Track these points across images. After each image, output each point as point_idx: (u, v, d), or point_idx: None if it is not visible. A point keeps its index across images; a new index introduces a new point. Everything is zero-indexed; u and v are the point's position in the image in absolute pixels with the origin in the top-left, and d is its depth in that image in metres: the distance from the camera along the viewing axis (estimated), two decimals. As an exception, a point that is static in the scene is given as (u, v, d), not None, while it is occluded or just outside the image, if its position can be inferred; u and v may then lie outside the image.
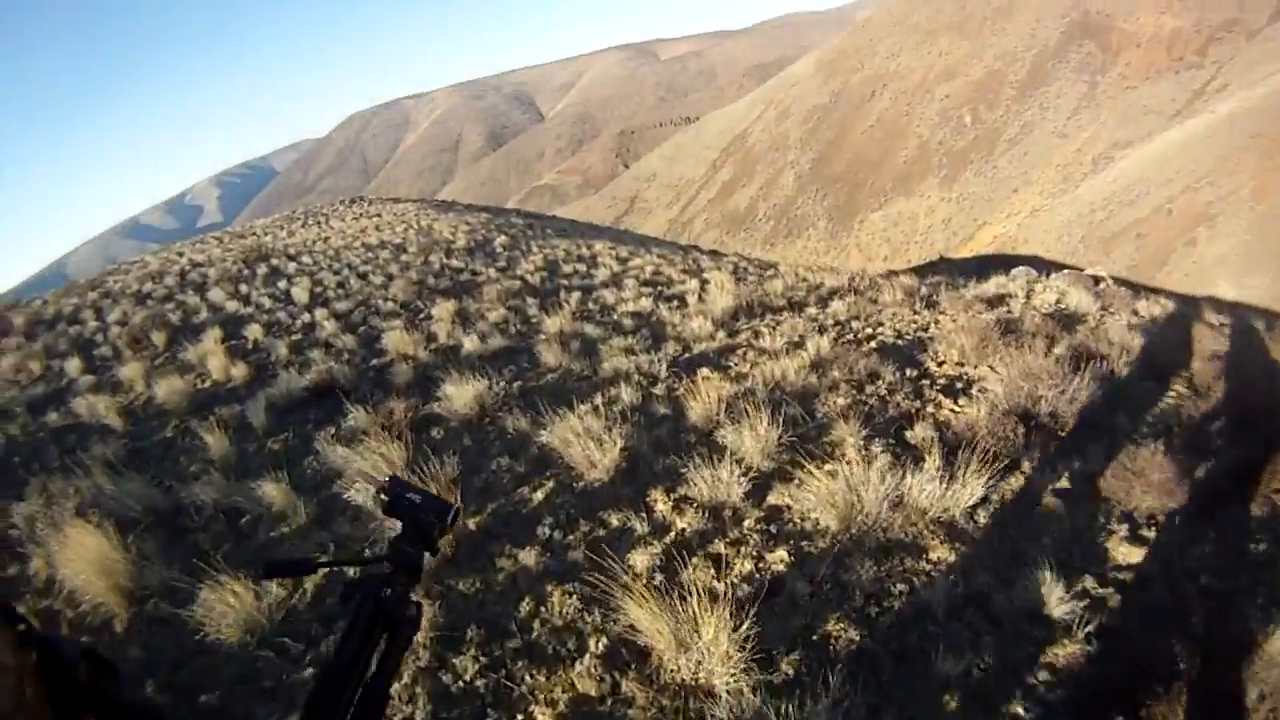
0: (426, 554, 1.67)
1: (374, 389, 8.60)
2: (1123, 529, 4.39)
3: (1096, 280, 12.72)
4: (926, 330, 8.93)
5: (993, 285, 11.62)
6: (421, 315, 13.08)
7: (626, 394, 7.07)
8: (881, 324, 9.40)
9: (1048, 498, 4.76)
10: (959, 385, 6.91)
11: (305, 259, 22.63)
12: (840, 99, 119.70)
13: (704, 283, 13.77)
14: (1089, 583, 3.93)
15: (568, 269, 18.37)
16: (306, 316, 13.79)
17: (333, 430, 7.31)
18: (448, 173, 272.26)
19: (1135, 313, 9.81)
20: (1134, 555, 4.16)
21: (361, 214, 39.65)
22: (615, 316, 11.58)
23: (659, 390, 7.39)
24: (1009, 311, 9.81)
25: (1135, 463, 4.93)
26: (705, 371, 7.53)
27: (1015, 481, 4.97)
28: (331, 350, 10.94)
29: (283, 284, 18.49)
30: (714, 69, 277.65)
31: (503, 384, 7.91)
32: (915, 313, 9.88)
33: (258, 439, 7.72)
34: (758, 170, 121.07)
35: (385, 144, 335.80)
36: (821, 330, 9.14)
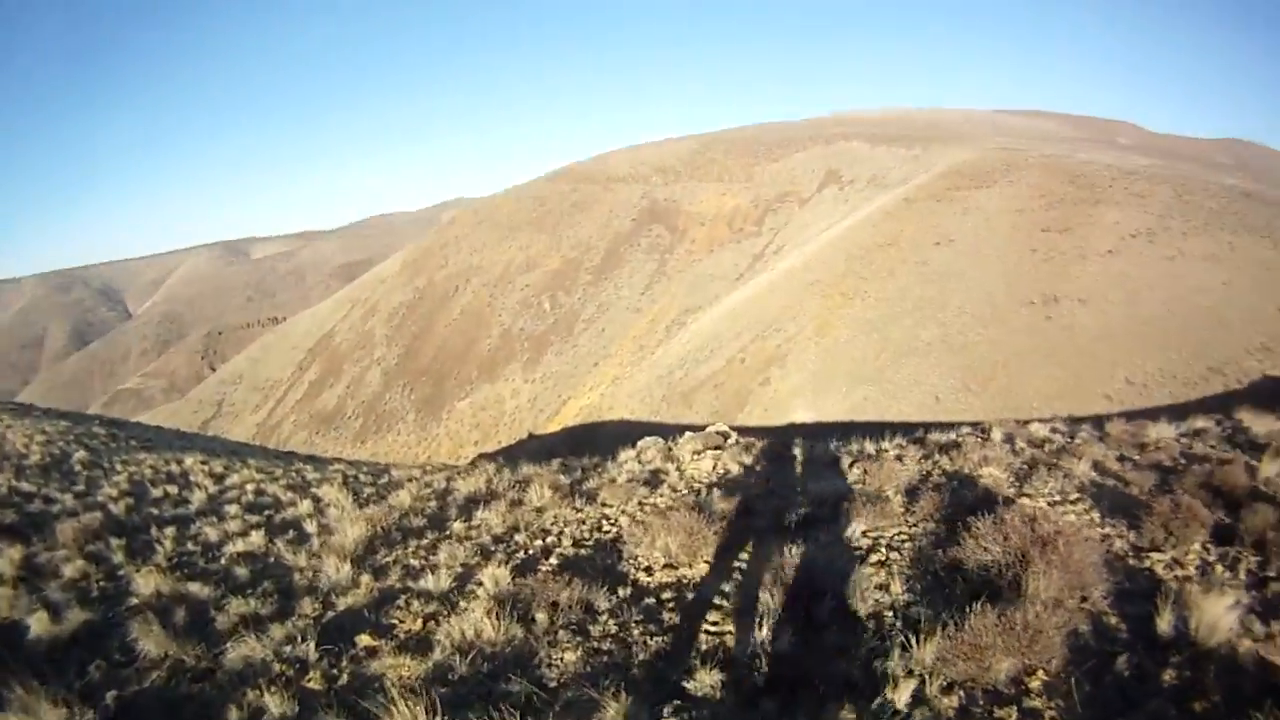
0: None
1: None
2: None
3: (725, 436, 13.16)
4: (604, 530, 8.82)
5: (634, 463, 12.24)
6: (-22, 571, 10.41)
7: (274, 705, 5.50)
8: (548, 531, 9.09)
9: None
10: (692, 598, 6.71)
11: None
12: (426, 294, 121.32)
13: (317, 501, 13.17)
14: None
15: (157, 492, 16.15)
16: None
17: None
18: (30, 371, 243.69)
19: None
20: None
21: (-78, 418, 34.52)
22: (224, 561, 9.89)
23: (315, 685, 5.91)
24: (675, 489, 10.22)
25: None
26: (367, 640, 6.52)
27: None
28: None
29: None
30: (303, 269, 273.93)
31: (88, 712, 5.76)
32: (577, 509, 9.69)
33: None
34: (345, 369, 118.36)
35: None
36: (485, 554, 8.50)
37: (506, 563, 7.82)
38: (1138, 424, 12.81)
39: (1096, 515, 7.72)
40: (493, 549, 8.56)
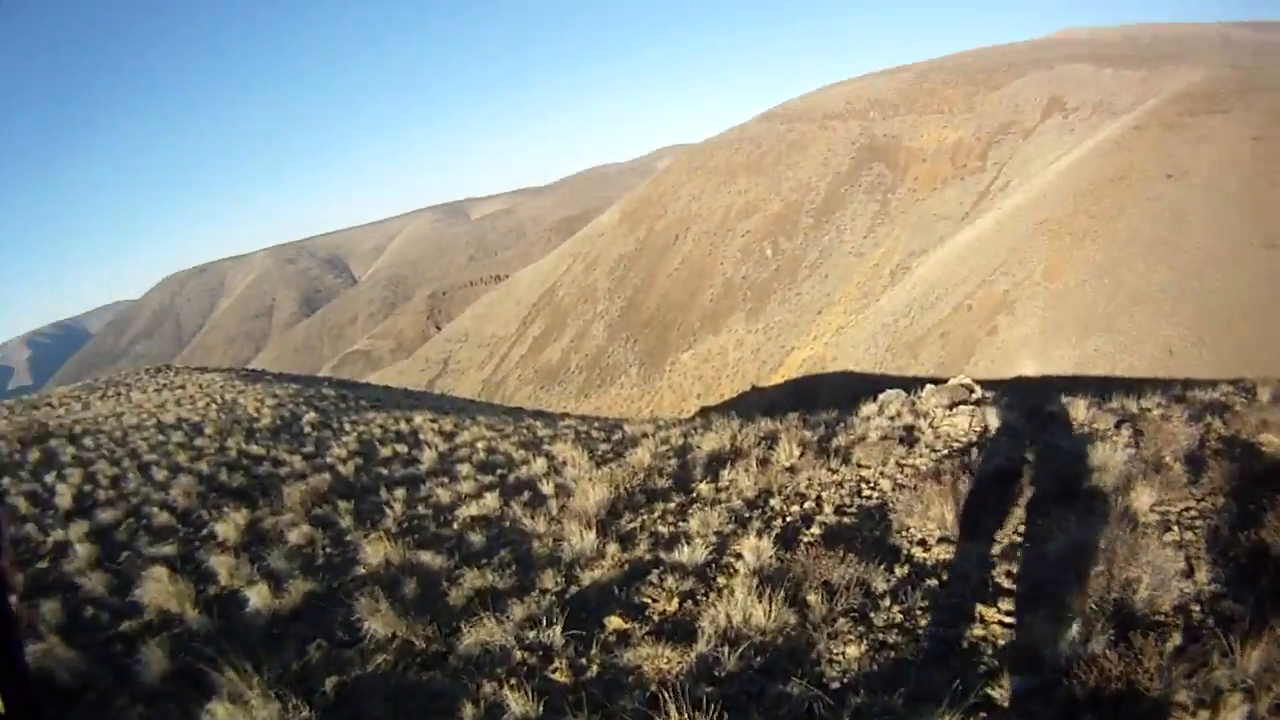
0: None
1: (105, 697, 6.11)
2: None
3: (970, 390, 12.31)
4: (865, 496, 7.94)
5: (881, 419, 11.05)
6: (202, 535, 10.70)
7: (514, 703, 4.75)
8: (805, 496, 8.13)
9: None
10: (976, 579, 5.83)
11: (88, 441, 20.24)
12: (645, 246, 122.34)
13: (551, 459, 12.36)
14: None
15: (386, 451, 16.17)
16: (60, 532, 11.20)
17: None
18: (262, 339, 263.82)
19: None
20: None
21: (165, 385, 36.88)
22: (456, 527, 9.40)
23: (561, 677, 5.20)
24: (933, 449, 9.20)
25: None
26: (618, 623, 5.84)
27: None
28: (70, 601, 8.42)
29: (51, 476, 15.92)
30: (522, 225, 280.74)
31: (303, 708, 5.20)
32: (832, 470, 8.76)
33: None
34: (568, 323, 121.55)
35: (200, 308, 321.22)
36: (740, 521, 7.61)
37: (765, 532, 7.04)
38: None
39: None
40: (747, 515, 7.76)
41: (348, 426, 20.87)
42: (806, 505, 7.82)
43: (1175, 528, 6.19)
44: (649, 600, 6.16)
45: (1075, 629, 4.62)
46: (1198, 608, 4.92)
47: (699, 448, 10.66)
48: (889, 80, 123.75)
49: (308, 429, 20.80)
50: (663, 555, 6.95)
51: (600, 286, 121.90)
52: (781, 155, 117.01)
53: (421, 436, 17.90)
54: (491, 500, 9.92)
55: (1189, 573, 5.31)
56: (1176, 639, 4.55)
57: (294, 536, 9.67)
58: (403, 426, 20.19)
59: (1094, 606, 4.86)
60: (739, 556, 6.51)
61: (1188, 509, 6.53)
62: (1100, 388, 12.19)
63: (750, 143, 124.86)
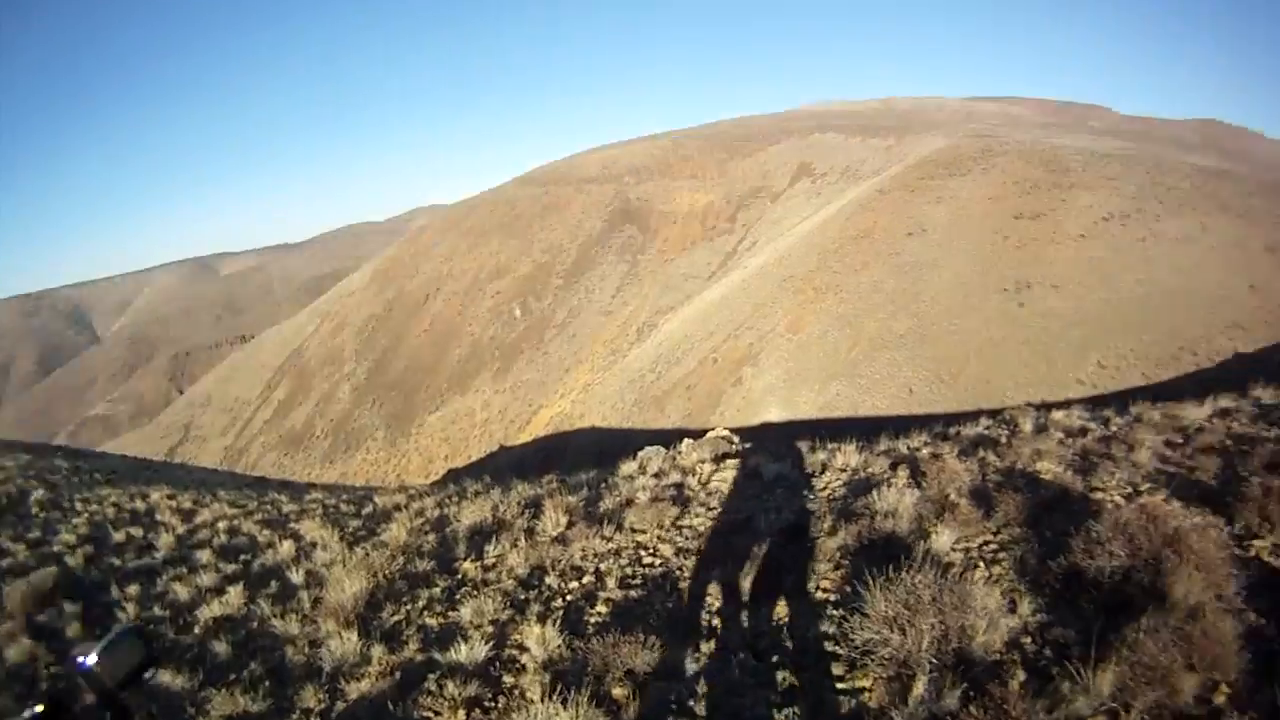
0: None
1: None
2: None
3: (730, 441, 12.66)
4: (648, 564, 7.54)
5: (646, 478, 11.07)
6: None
7: None
8: (582, 570, 7.64)
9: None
10: (791, 645, 5.58)
11: None
12: (395, 306, 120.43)
13: (298, 540, 11.62)
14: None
15: (119, 536, 14.27)
16: None
17: None
18: None
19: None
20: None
21: None
22: (198, 631, 8.26)
23: None
24: (708, 507, 9.05)
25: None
26: None
27: None
28: None
29: None
30: (272, 284, 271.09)
31: None
32: (607, 539, 8.32)
33: None
34: (314, 386, 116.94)
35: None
36: (516, 605, 7.02)
37: (547, 616, 6.55)
38: (1165, 406, 12.33)
39: (1176, 505, 6.78)
40: (523, 597, 7.22)
41: (79, 505, 18.82)
42: (586, 580, 7.42)
43: (981, 564, 6.19)
44: (430, 715, 5.36)
45: (922, 687, 4.46)
46: (1029, 640, 4.91)
47: (458, 520, 10.29)
48: (646, 146, 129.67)
49: (35, 509, 18.40)
50: (436, 655, 6.16)
51: (348, 348, 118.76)
52: (536, 217, 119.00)
53: (158, 517, 16.59)
54: (236, 595, 9.08)
55: (1012, 607, 5.30)
56: (1021, 675, 4.53)
57: (13, 653, 8.33)
58: (138, 505, 18.56)
59: (934, 660, 4.61)
60: (523, 648, 6.01)
61: (987, 543, 6.59)
62: (844, 428, 12.99)
63: (506, 205, 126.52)
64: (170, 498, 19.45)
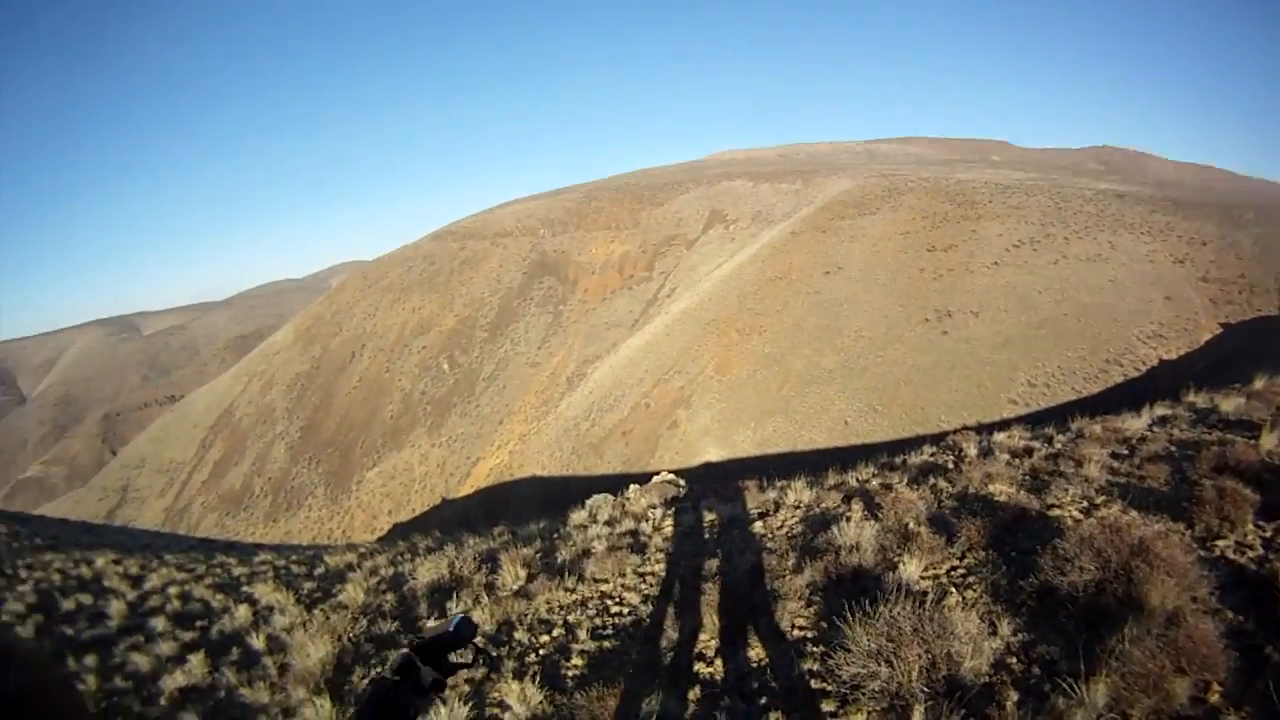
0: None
1: None
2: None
3: (677, 485, 12.62)
4: (616, 613, 7.44)
5: (600, 526, 11.03)
6: None
7: None
8: (551, 623, 7.50)
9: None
10: (777, 686, 5.48)
11: None
12: (322, 364, 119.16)
13: (254, 604, 11.36)
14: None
15: (69, 604, 13.95)
16: None
17: None
18: None
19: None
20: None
21: None
22: (165, 703, 8.05)
23: None
24: (667, 553, 9.08)
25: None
26: None
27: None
28: None
29: None
30: (196, 342, 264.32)
31: None
32: (570, 590, 8.25)
33: None
34: (248, 445, 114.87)
35: None
36: (492, 665, 6.76)
37: (523, 672, 6.34)
38: (1104, 419, 12.51)
39: (1135, 515, 7.03)
40: (494, 654, 7.03)
41: (23, 573, 18.31)
42: (556, 633, 7.26)
43: (953, 590, 6.20)
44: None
45: (918, 717, 4.42)
46: (1014, 660, 4.98)
47: (414, 577, 10.18)
48: (557, 200, 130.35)
49: None
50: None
51: (279, 406, 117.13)
52: (454, 272, 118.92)
53: (106, 583, 16.10)
54: (198, 664, 8.79)
55: (993, 629, 5.32)
56: (1014, 695, 4.58)
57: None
58: (84, 571, 18.01)
59: (925, 689, 4.60)
60: (504, 706, 5.90)
61: (954, 569, 6.61)
62: (786, 463, 13.76)
63: (423, 260, 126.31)
64: (116, 562, 19.20)
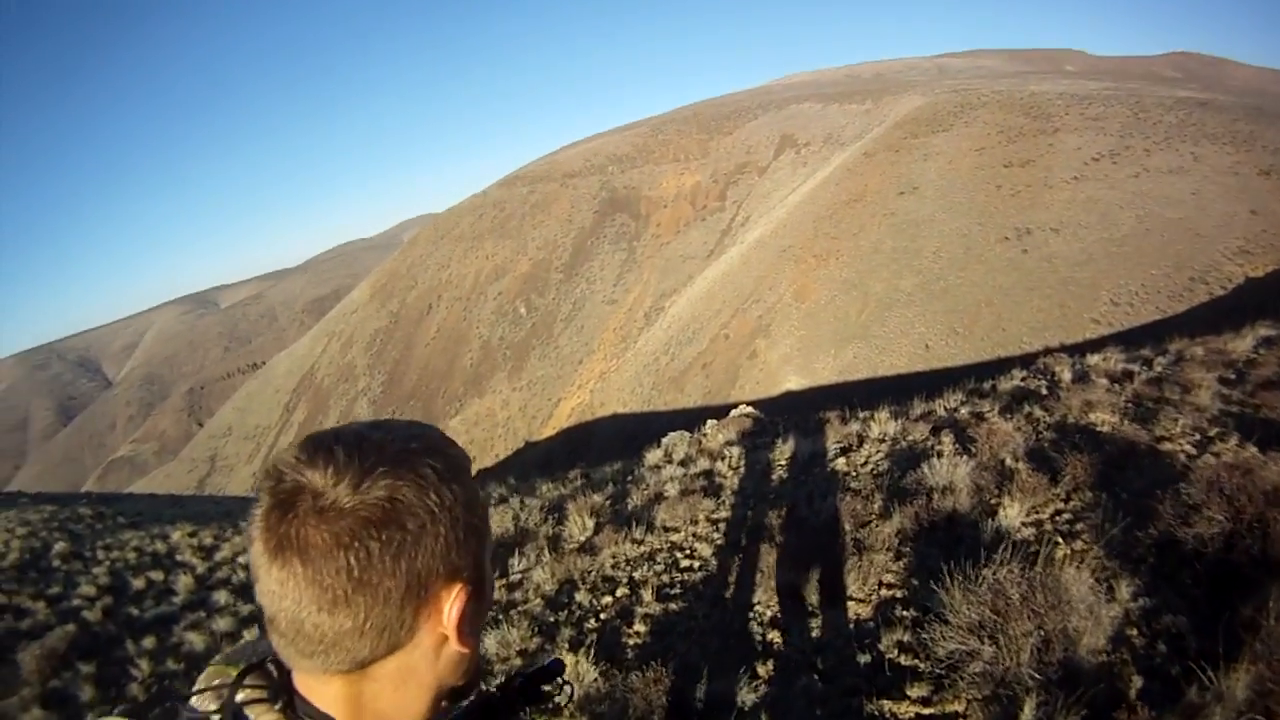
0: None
1: None
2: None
3: (754, 419, 12.22)
4: (686, 568, 6.97)
5: (672, 466, 10.47)
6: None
7: None
8: (615, 581, 6.96)
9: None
10: (866, 661, 4.72)
11: None
12: (400, 318, 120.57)
13: None
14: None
15: (139, 582, 13.99)
16: None
17: None
18: (20, 455, 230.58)
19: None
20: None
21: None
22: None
23: None
24: (740, 494, 8.49)
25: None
26: None
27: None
28: None
29: None
30: (274, 310, 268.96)
31: None
32: (638, 542, 7.60)
33: None
34: (331, 404, 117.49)
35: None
36: (544, 631, 6.33)
37: (580, 642, 5.80)
38: (1204, 340, 11.69)
39: (1255, 451, 6.24)
40: (552, 620, 6.47)
41: (100, 554, 18.39)
42: (620, 593, 6.67)
43: (1060, 539, 5.50)
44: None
45: (1028, 713, 3.63)
46: (1134, 632, 4.23)
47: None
48: (624, 136, 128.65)
49: (57, 562, 18.03)
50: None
51: (359, 364, 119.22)
52: (525, 216, 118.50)
53: (178, 557, 16.27)
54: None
55: (1109, 592, 4.53)
56: (1137, 680, 3.81)
57: (24, 725, 7.91)
58: (159, 546, 18.21)
59: (1034, 675, 3.85)
60: None
61: (1059, 513, 5.93)
62: (868, 390, 12.64)
63: (494, 207, 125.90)
64: (190, 535, 19.44)
